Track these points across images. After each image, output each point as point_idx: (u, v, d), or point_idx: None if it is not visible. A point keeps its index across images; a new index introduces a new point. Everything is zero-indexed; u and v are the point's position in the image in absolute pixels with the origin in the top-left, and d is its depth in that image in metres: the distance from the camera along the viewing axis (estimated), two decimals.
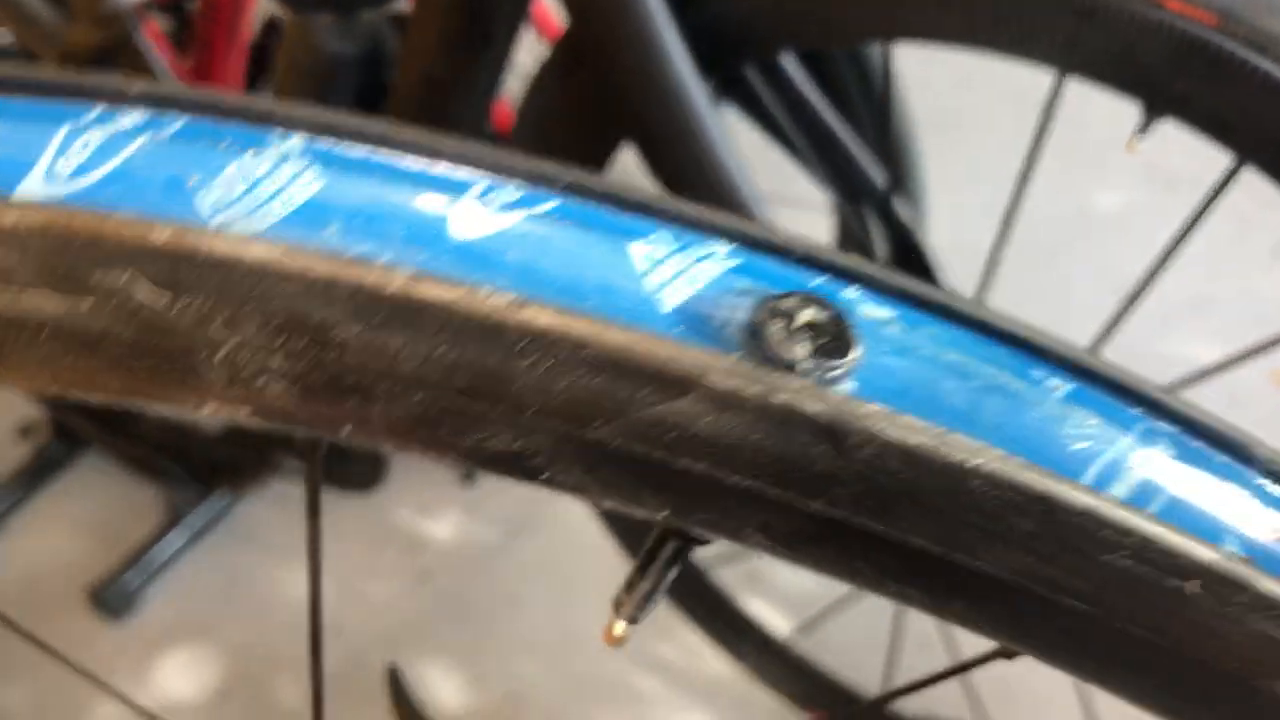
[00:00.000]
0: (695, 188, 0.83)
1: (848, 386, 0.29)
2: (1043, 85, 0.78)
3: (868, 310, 0.31)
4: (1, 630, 1.37)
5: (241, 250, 0.27)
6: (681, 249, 0.31)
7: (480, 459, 0.30)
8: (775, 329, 0.29)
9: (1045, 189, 1.11)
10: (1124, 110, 0.74)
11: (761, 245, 0.32)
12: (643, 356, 0.28)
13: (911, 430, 0.28)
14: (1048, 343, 0.31)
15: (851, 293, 0.32)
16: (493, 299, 0.28)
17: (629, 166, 1.08)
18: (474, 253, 0.30)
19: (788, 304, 0.29)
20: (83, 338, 0.29)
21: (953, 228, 1.59)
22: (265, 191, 0.29)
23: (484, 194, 0.31)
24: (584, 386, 0.28)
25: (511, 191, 0.31)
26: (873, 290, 0.32)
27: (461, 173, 0.31)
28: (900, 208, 1.00)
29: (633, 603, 0.35)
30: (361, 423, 0.30)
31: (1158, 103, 0.71)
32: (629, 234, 0.31)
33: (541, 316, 0.28)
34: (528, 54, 1.06)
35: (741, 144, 0.85)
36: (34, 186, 0.29)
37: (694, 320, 0.30)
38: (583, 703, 1.35)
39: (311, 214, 0.29)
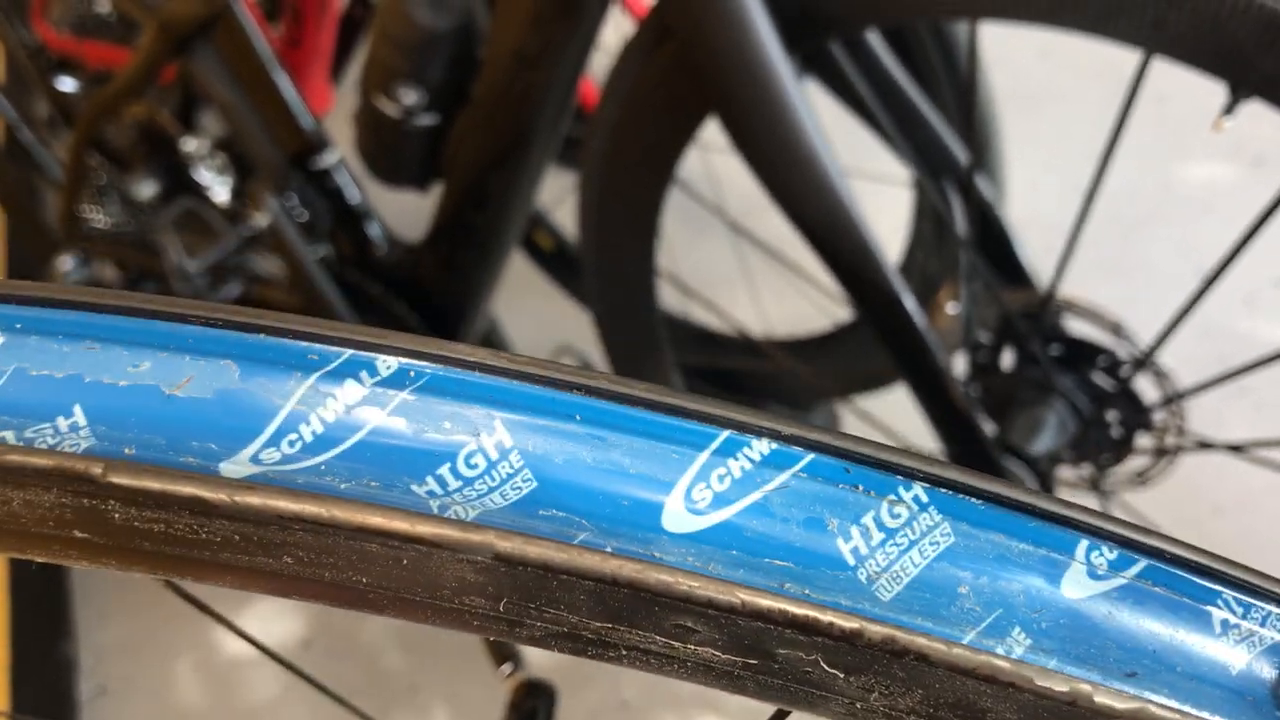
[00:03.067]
0: (778, 163, 0.85)
1: None
2: (1123, 59, 0.78)
3: None
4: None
5: (933, 649, 0.28)
6: (1246, 613, 0.31)
7: None
8: None
9: (1126, 163, 1.10)
10: (1208, 85, 0.74)
11: None
12: None
13: None
14: None
15: None
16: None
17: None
18: (1082, 618, 0.30)
19: None
20: (726, 674, 0.30)
21: (1031, 203, 1.58)
22: (901, 542, 0.30)
23: (1089, 555, 0.31)
24: None
25: (1111, 551, 0.31)
26: None
27: (1067, 536, 0.31)
28: (981, 184, 1.01)
29: None
30: None
31: (1244, 83, 0.71)
32: (1207, 599, 0.31)
33: None
34: (613, 32, 1.07)
35: (822, 118, 0.86)
36: (677, 516, 0.29)
37: (1253, 684, 0.30)
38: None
39: (945, 571, 0.30)
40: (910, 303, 0.87)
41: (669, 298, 1.38)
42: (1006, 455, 0.94)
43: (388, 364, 0.30)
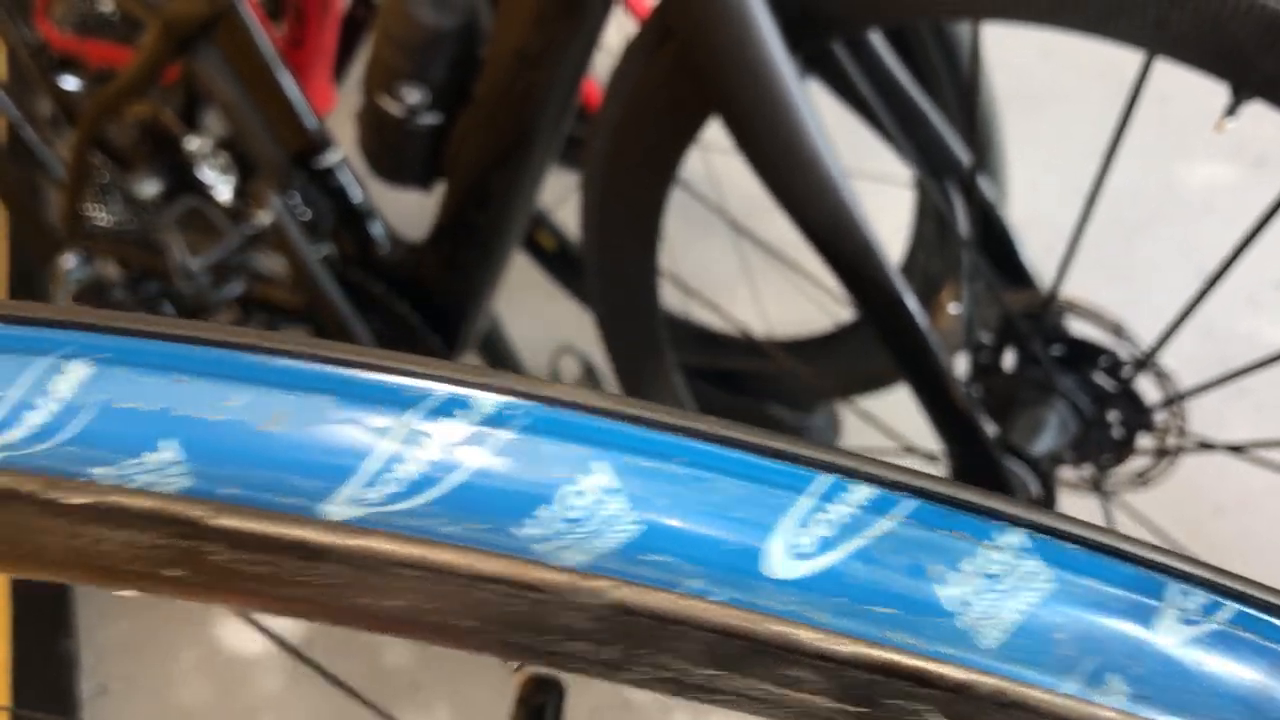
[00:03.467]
0: (780, 163, 0.85)
1: None
2: (1125, 59, 0.78)
3: None
4: None
5: (1041, 700, 0.27)
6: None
7: None
8: None
9: (1128, 164, 1.10)
10: (1210, 85, 0.74)
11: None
12: None
13: None
14: None
15: None
16: None
17: None
18: (1174, 664, 0.29)
19: None
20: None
21: (1033, 203, 1.58)
22: (1001, 589, 0.29)
23: (1181, 600, 0.30)
24: None
25: (1203, 596, 0.30)
26: None
27: (1159, 581, 0.30)
28: (983, 184, 1.01)
29: None
30: None
31: (1246, 84, 0.71)
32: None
33: None
34: (616, 32, 1.07)
35: (824, 118, 0.86)
36: (782, 562, 0.29)
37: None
38: None
39: (1043, 618, 0.29)
40: (912, 303, 0.87)
41: (671, 298, 1.38)
42: (1008, 455, 0.94)
43: (487, 402, 0.30)
